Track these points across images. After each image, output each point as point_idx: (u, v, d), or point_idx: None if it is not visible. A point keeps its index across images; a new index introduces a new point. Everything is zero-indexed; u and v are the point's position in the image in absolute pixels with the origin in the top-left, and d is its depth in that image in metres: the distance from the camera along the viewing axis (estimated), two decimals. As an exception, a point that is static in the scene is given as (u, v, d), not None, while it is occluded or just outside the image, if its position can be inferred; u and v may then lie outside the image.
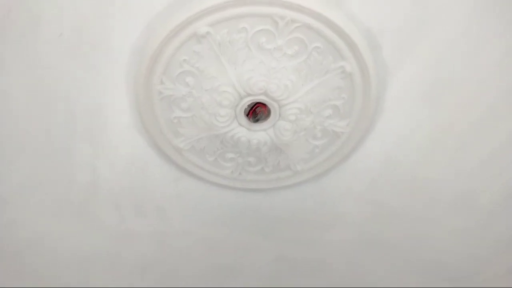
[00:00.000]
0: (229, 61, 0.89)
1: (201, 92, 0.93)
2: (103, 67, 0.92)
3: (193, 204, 1.22)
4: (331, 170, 1.13)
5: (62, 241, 1.26)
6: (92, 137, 1.04)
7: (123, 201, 1.19)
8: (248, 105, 0.96)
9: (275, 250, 1.36)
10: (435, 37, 0.88)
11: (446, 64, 0.92)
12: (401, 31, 0.87)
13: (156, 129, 1.01)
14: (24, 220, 1.19)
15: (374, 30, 0.87)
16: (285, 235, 1.31)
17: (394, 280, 1.43)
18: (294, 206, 1.23)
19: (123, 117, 1.01)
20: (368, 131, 1.04)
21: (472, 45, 0.89)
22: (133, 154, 1.08)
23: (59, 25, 0.85)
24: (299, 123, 0.98)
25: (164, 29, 0.85)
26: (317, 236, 1.31)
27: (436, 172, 1.12)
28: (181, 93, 0.94)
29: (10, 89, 0.94)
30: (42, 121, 1.00)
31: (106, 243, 1.29)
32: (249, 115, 0.97)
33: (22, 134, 1.02)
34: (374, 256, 1.36)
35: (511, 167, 1.09)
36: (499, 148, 1.06)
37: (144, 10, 0.84)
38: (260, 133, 1.02)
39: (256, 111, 0.96)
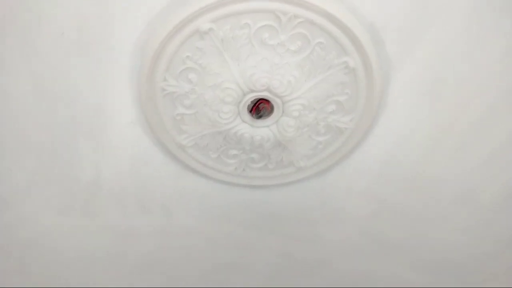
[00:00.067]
0: (232, 57, 0.88)
1: (204, 89, 0.93)
2: (106, 65, 0.92)
3: (197, 201, 1.22)
4: (335, 166, 1.13)
5: (66, 239, 1.27)
6: (95, 135, 1.04)
7: (127, 199, 1.19)
8: (251, 102, 0.96)
9: (279, 246, 1.36)
10: (441, 27, 0.87)
11: (449, 58, 0.92)
12: (404, 25, 0.87)
13: (159, 126, 1.01)
14: (27, 219, 1.19)
15: (377, 25, 0.87)
16: (288, 231, 1.31)
17: (396, 277, 1.43)
18: (298, 202, 1.23)
19: (126, 114, 1.01)
20: (372, 127, 1.04)
21: (472, 44, 0.89)
22: (136, 152, 1.08)
23: (61, 23, 0.85)
24: (303, 119, 0.98)
25: (167, 25, 0.85)
26: (320, 233, 1.31)
27: (441, 169, 1.12)
28: (184, 90, 0.94)
29: (13, 89, 0.94)
30: (44, 119, 1.00)
31: (110, 241, 1.29)
32: (252, 112, 0.97)
33: (24, 133, 1.02)
34: (376, 253, 1.36)
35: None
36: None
37: (147, 7, 0.84)
38: (263, 129, 1.01)
39: (259, 108, 0.96)
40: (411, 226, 1.27)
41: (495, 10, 0.84)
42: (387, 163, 1.12)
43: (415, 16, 0.86)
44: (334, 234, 1.31)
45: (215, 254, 1.37)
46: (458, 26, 0.86)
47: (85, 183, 1.13)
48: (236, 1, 0.82)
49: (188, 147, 1.05)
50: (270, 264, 1.41)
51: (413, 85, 0.96)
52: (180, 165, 1.11)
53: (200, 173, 1.13)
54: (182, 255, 1.36)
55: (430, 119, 1.02)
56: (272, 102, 0.96)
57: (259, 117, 0.98)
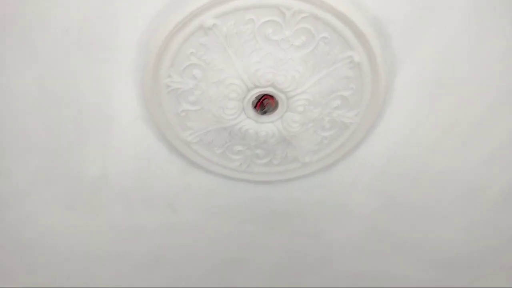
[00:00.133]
0: (236, 53, 0.88)
1: (209, 85, 0.93)
2: (110, 61, 0.92)
3: (202, 197, 1.22)
4: (340, 161, 1.13)
5: (69, 238, 1.27)
6: (100, 132, 1.04)
7: (132, 195, 1.19)
8: (256, 97, 0.96)
9: (284, 242, 1.36)
10: (447, 17, 0.87)
11: (449, 58, 0.92)
12: (408, 19, 0.86)
13: (164, 123, 1.01)
14: (32, 216, 1.20)
15: (381, 18, 0.86)
16: (293, 227, 1.32)
17: (401, 272, 1.43)
18: (303, 198, 1.23)
19: (131, 111, 1.01)
20: (377, 121, 1.03)
21: (472, 44, 0.89)
22: (141, 148, 1.09)
23: (65, 20, 0.85)
24: (307, 114, 0.98)
25: (171, 22, 0.84)
26: (325, 228, 1.31)
27: (445, 164, 1.12)
28: (188, 86, 0.94)
29: (18, 86, 0.94)
30: (49, 116, 1.00)
31: (113, 239, 1.29)
32: (256, 107, 0.97)
33: (29, 130, 1.02)
34: (381, 248, 1.36)
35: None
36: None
37: (150, 3, 0.84)
38: (268, 125, 1.01)
39: (264, 103, 0.96)
40: (416, 222, 1.27)
41: (495, 10, 0.84)
42: (391, 159, 1.12)
43: (415, 16, 0.86)
44: (339, 230, 1.31)
45: (219, 250, 1.37)
46: (459, 25, 0.86)
47: (89, 181, 1.14)
48: (240, -4, 0.82)
49: (193, 143, 1.05)
50: (276, 260, 1.42)
51: (419, 79, 0.96)
52: (185, 161, 1.11)
53: (205, 169, 1.13)
54: (187, 251, 1.37)
55: (436, 114, 1.02)
56: (277, 98, 0.96)
57: (264, 112, 0.97)
